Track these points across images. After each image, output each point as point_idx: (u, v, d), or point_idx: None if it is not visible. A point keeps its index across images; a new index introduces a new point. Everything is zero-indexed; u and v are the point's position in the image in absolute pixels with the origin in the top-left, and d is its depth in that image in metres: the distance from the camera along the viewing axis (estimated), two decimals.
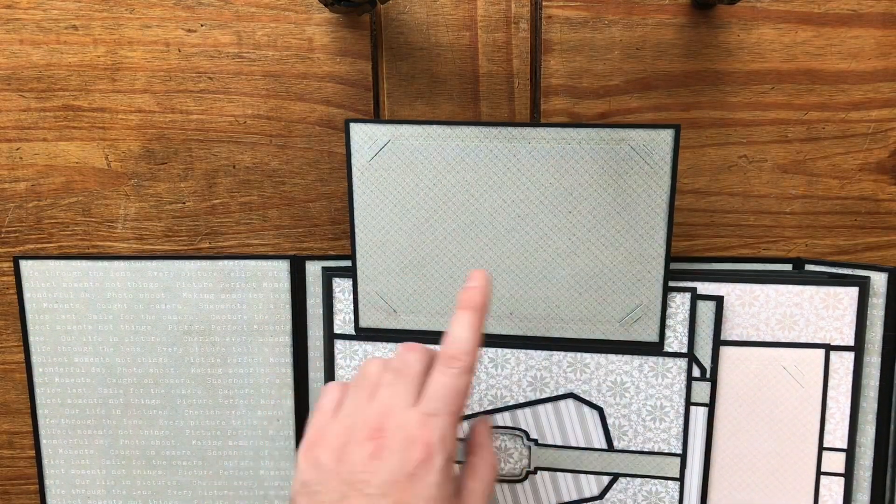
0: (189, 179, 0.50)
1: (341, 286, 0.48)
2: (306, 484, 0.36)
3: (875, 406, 0.47)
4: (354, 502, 0.34)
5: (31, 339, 0.51)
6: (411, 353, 0.39)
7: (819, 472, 0.48)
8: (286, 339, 0.51)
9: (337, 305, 0.49)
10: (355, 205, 0.46)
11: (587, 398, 0.47)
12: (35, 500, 0.55)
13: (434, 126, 0.44)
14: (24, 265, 0.50)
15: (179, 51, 0.49)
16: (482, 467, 0.40)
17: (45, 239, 0.51)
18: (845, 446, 0.47)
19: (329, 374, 0.49)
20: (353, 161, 0.46)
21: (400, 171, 0.45)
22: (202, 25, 0.48)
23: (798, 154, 0.49)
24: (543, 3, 0.48)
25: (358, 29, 0.49)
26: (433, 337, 0.48)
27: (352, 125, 0.45)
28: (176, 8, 0.48)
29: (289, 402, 0.51)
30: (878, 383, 0.47)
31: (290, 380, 0.51)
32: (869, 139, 0.49)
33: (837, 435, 0.47)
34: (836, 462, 0.47)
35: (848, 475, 0.47)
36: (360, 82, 0.49)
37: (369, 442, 0.35)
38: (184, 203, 0.51)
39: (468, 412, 0.49)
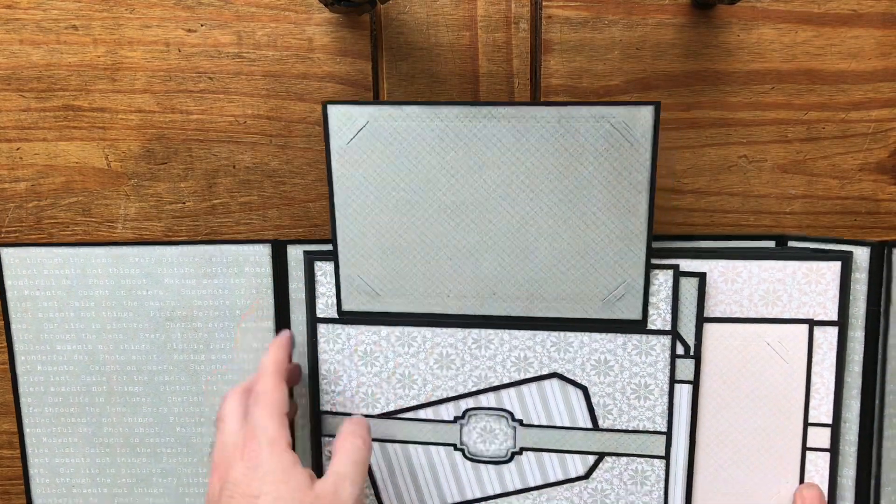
0: (189, 179, 0.50)
1: (323, 270, 0.48)
2: None
3: (860, 381, 0.47)
4: None
5: (14, 327, 0.51)
6: (226, 399, 0.44)
7: (805, 448, 0.48)
8: (269, 325, 0.50)
9: (319, 289, 0.48)
10: (335, 188, 0.46)
11: (571, 377, 0.47)
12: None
13: (413, 106, 0.44)
14: (5, 253, 0.50)
15: (179, 51, 0.49)
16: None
17: (45, 239, 0.51)
18: (830, 421, 0.47)
19: (313, 359, 0.49)
20: (332, 143, 0.45)
21: (380, 153, 0.45)
22: (202, 25, 0.48)
23: (798, 154, 0.49)
24: (543, 3, 0.47)
25: (358, 29, 0.48)
26: (416, 319, 0.47)
27: (329, 107, 0.45)
28: (176, 8, 0.48)
29: None
30: (861, 358, 0.47)
31: None
32: (869, 139, 0.48)
33: (822, 410, 0.47)
34: (821, 437, 0.47)
35: (833, 450, 0.47)
36: (360, 82, 0.49)
37: None
38: (184, 203, 0.51)
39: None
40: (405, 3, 0.48)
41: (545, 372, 0.48)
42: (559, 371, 0.47)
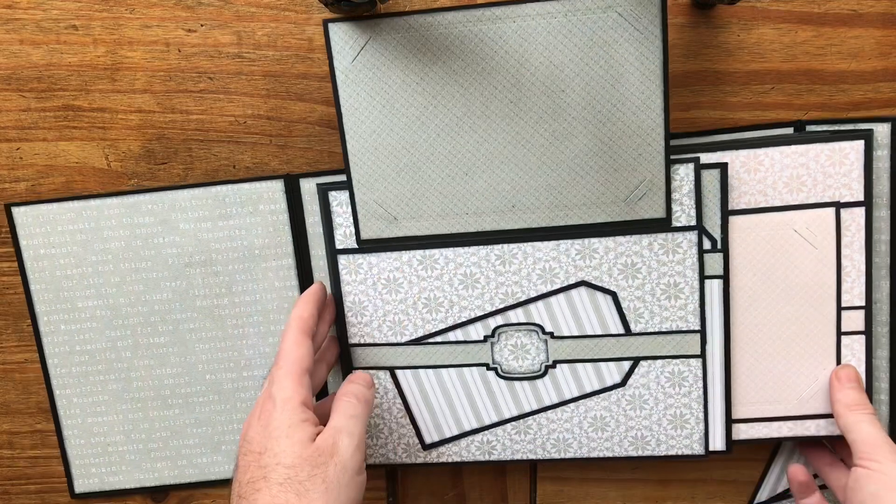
0: (189, 179, 0.50)
1: (338, 199, 0.48)
2: None
3: (888, 261, 0.47)
4: None
5: (33, 287, 0.50)
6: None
7: (839, 333, 0.47)
8: (289, 262, 0.50)
9: (336, 220, 0.48)
10: (343, 111, 0.45)
11: (599, 284, 0.47)
12: (35, 500, 0.55)
13: (414, 16, 0.43)
14: (17, 212, 0.50)
15: (179, 51, 0.48)
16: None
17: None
18: (863, 304, 0.47)
19: (336, 292, 0.48)
20: (336, 64, 0.44)
21: (385, 69, 0.44)
22: (202, 25, 0.48)
23: None
24: None
25: None
26: (436, 241, 0.47)
27: (330, 25, 0.44)
28: (176, 8, 0.48)
29: None
30: (888, 237, 0.46)
31: None
32: None
33: (855, 293, 0.47)
34: (855, 321, 0.47)
35: (868, 332, 0.47)
36: None
37: None
38: None
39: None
40: (405, 3, 0.47)
41: (572, 281, 0.47)
42: (586, 279, 0.47)
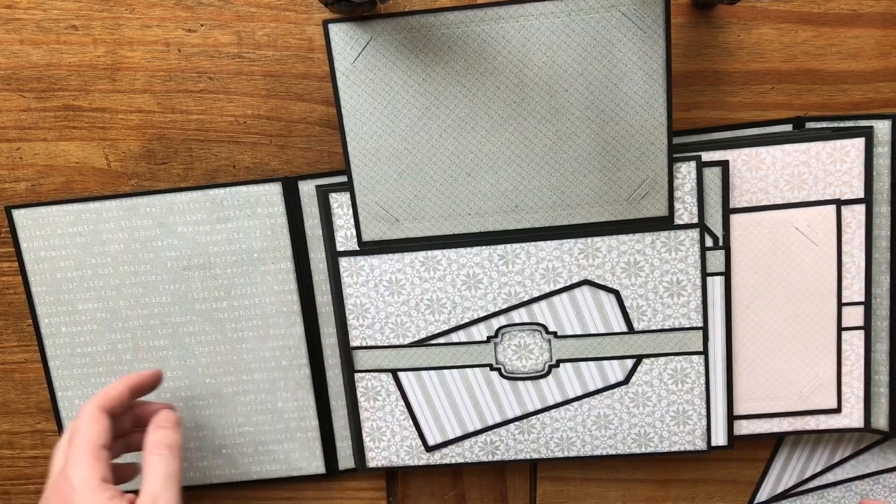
0: (189, 179, 0.49)
1: (339, 201, 0.47)
2: None
3: (888, 256, 0.47)
4: None
5: (34, 289, 0.50)
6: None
7: (840, 328, 0.47)
8: (288, 265, 0.49)
9: (337, 222, 0.47)
10: (343, 111, 0.45)
11: (602, 283, 0.47)
12: (35, 500, 0.54)
13: (416, 16, 0.43)
14: (17, 214, 0.49)
15: (179, 51, 0.48)
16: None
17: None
18: (863, 299, 0.47)
19: (337, 294, 0.48)
20: (336, 65, 0.44)
21: (386, 69, 0.44)
22: (202, 25, 0.47)
23: None
24: None
25: None
26: (438, 242, 0.47)
27: (331, 26, 0.43)
28: (176, 8, 0.47)
29: (299, 330, 0.50)
30: (889, 233, 0.47)
31: (297, 307, 0.50)
32: None
33: (854, 289, 0.47)
34: (855, 316, 0.47)
35: (867, 327, 0.47)
36: None
37: None
38: None
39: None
40: (405, 3, 0.46)
41: (575, 280, 0.47)
42: (589, 278, 0.47)
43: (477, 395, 0.49)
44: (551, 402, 0.49)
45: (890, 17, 0.47)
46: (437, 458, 0.50)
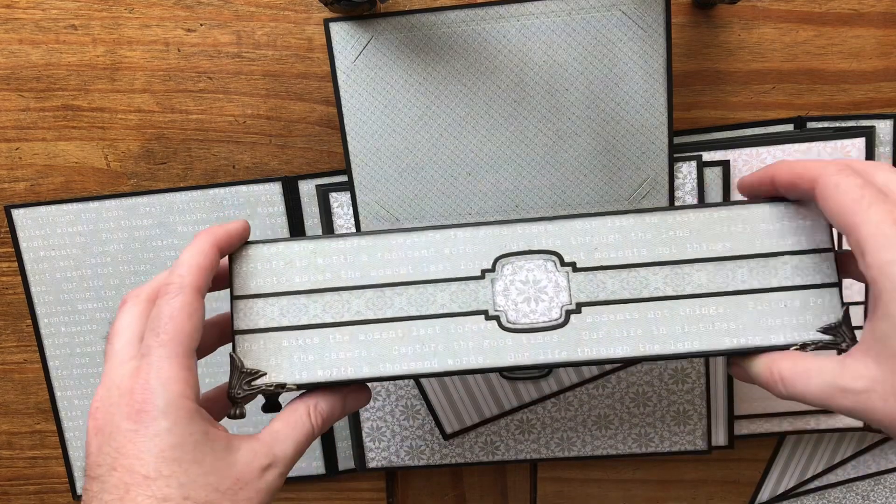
0: (189, 179, 0.50)
1: (339, 201, 0.47)
2: None
3: None
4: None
5: (34, 289, 0.50)
6: (122, 307, 0.34)
7: None
8: None
9: (337, 221, 0.48)
10: (344, 111, 0.45)
11: None
12: (34, 500, 0.54)
13: (416, 15, 0.43)
14: (17, 214, 0.49)
15: (179, 50, 0.48)
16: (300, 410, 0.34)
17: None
18: (863, 299, 0.47)
19: None
20: (337, 64, 0.44)
21: (387, 68, 0.44)
22: (202, 25, 0.47)
23: None
24: None
25: None
26: None
27: (332, 25, 0.43)
28: (175, 7, 0.47)
29: None
30: None
31: None
32: None
33: (854, 289, 0.47)
34: (855, 316, 0.47)
35: None
36: None
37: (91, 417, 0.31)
38: None
39: None
40: (405, 3, 0.47)
41: None
42: None
43: (494, 383, 0.49)
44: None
45: (891, 17, 0.47)
46: (437, 459, 0.50)
